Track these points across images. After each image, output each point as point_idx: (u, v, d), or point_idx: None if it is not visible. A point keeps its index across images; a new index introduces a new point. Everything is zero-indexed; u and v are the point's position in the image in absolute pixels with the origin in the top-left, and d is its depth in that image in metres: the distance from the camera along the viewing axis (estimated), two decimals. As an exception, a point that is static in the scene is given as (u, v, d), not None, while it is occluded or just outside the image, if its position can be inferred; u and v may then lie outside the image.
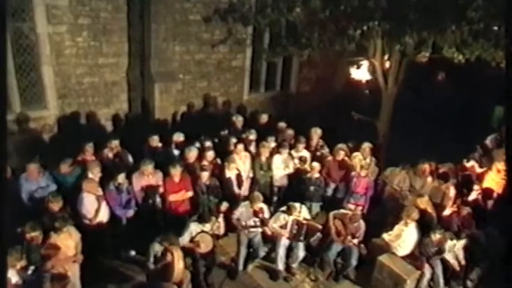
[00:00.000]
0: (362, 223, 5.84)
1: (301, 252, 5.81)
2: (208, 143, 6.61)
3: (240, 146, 6.58)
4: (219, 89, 9.02)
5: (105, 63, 7.63)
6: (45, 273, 4.12)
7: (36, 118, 7.15)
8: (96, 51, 7.42)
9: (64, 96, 7.37)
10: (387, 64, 7.23)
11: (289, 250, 5.94)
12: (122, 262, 5.84)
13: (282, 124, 7.60)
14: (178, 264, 4.82)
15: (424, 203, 6.07)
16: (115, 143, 6.17)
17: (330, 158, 6.92)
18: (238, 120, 7.57)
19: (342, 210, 6.09)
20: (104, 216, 5.43)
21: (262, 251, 6.05)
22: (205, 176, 5.95)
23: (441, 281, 5.62)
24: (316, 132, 7.23)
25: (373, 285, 5.86)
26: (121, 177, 5.54)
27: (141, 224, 5.80)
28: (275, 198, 7.00)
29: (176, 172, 5.76)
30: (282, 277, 5.89)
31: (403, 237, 5.73)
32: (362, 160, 6.79)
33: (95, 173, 5.45)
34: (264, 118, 7.75)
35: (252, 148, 7.04)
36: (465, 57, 5.69)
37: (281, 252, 5.79)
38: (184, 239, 5.29)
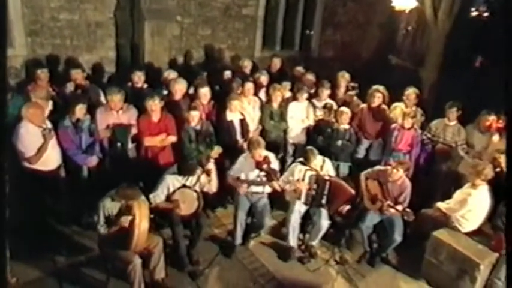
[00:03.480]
0: (408, 182, 4.17)
1: (324, 221, 4.17)
2: (200, 81, 5.11)
3: (249, 85, 5.06)
4: (225, 40, 7.54)
5: (87, -2, 6.31)
6: None
7: (-3, 57, 5.84)
8: (75, -19, 6.12)
9: (35, 33, 6.03)
10: None
11: (306, 220, 4.35)
12: (82, 229, 4.40)
13: (300, 68, 6.01)
14: (141, 225, 3.31)
15: None
16: (76, 71, 4.75)
17: (363, 105, 5.27)
18: (247, 65, 6.04)
19: (378, 167, 4.44)
20: (52, 160, 4.00)
21: (269, 221, 4.48)
22: (195, 116, 4.42)
23: (528, 267, 3.86)
24: (344, 77, 5.57)
25: (425, 273, 4.18)
26: (79, 110, 4.10)
27: (110, 178, 4.32)
28: (290, 160, 5.42)
29: (154, 106, 4.26)
30: (296, 257, 4.29)
31: (470, 205, 4.03)
32: (405, 109, 5.13)
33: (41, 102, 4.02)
34: (276, 63, 6.09)
35: (263, 96, 5.50)
36: None
37: (294, 221, 4.19)
38: (158, 196, 3.82)
